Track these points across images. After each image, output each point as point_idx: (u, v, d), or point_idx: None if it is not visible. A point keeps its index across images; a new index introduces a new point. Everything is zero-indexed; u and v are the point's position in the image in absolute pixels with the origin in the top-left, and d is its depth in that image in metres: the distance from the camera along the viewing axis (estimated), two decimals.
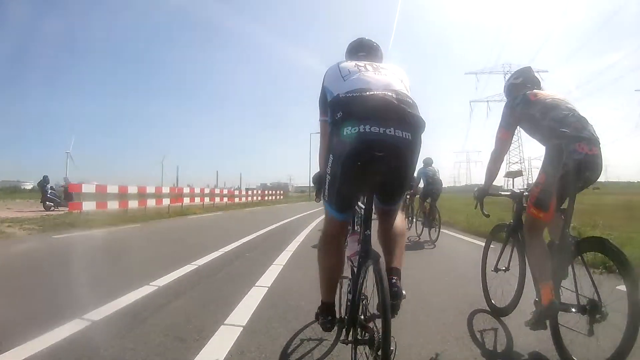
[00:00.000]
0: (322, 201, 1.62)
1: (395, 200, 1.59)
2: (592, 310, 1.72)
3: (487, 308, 2.57)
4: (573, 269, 1.84)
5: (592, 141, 1.87)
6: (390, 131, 1.30)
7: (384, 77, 1.49)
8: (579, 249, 1.84)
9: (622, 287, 1.63)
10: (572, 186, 1.90)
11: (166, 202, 13.41)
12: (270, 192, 31.79)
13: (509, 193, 2.40)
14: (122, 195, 11.48)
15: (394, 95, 1.36)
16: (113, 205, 10.94)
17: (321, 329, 1.74)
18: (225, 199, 19.92)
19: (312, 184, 1.77)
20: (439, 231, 6.05)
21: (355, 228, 1.89)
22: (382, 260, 1.36)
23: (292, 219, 11.38)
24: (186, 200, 15.15)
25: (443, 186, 7.10)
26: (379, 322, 1.26)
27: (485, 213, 2.45)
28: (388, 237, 1.60)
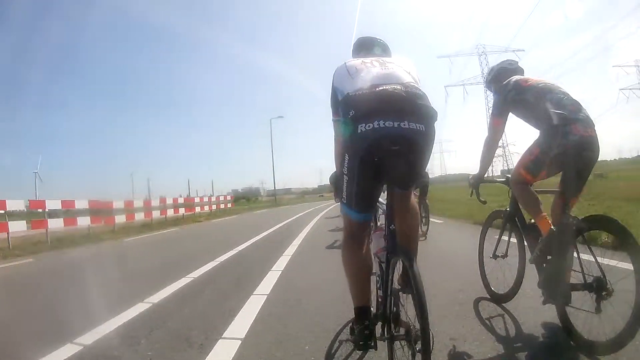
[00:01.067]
0: (339, 203, 1.57)
1: (410, 186, 1.57)
2: (599, 287, 1.74)
3: (487, 295, 2.58)
4: (576, 249, 1.86)
5: (587, 123, 1.91)
6: (404, 124, 1.30)
7: (392, 71, 1.50)
8: (580, 228, 1.86)
9: (626, 263, 1.65)
10: (569, 167, 1.94)
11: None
12: (209, 198, 20.20)
13: (504, 179, 2.42)
14: None
15: (403, 88, 1.38)
16: None
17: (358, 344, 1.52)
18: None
19: (328, 184, 1.78)
20: (429, 223, 6.16)
21: (378, 224, 1.86)
22: (412, 255, 1.35)
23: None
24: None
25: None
26: (412, 316, 1.25)
27: (482, 200, 2.47)
28: (403, 220, 1.56)
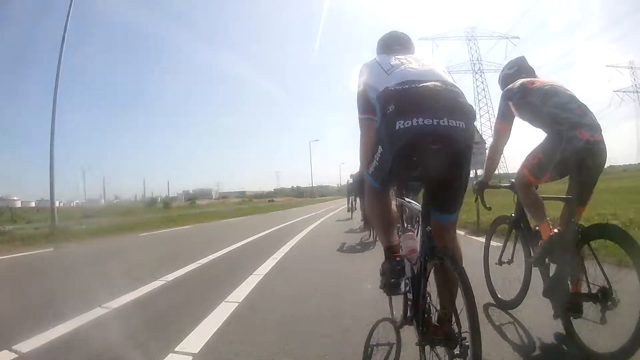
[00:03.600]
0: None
1: (452, 207, 1.49)
2: (604, 297, 1.70)
3: (493, 301, 2.54)
4: (582, 257, 1.82)
5: (594, 127, 1.86)
6: (444, 122, 1.27)
7: (430, 69, 1.47)
8: (586, 237, 1.83)
9: (633, 273, 1.61)
10: (574, 174, 1.90)
11: None
12: None
13: (509, 184, 2.38)
14: None
15: (444, 86, 1.36)
16: None
17: (388, 286, 1.61)
18: None
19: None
20: None
21: (406, 225, 1.83)
22: (457, 258, 1.33)
23: None
24: None
25: None
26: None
27: (487, 206, 2.43)
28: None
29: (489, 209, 2.44)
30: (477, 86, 62.99)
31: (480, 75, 64.73)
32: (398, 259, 1.59)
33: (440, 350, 1.36)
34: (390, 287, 1.60)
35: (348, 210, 13.10)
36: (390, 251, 1.63)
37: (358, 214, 10.47)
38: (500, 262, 2.47)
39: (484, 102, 62.75)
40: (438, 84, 1.36)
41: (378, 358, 1.84)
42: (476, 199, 2.48)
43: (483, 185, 2.41)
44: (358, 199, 10.33)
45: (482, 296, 2.60)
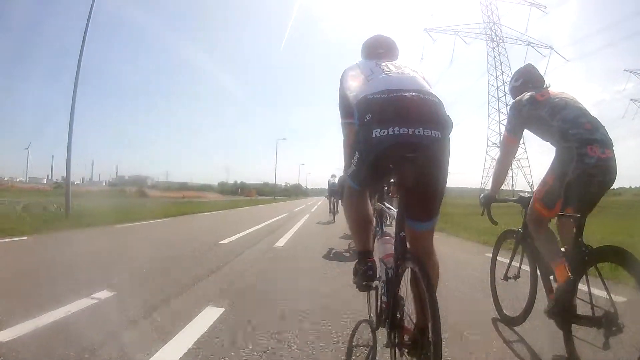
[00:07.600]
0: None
1: (426, 215, 1.46)
2: (608, 323, 1.65)
3: (498, 316, 2.50)
4: (587, 279, 1.77)
5: (605, 143, 1.80)
6: (419, 131, 1.28)
7: (409, 77, 1.48)
8: (593, 258, 1.77)
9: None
10: (583, 192, 1.84)
11: None
12: None
13: (516, 198, 2.33)
14: None
15: (421, 95, 1.36)
16: None
17: (360, 290, 1.72)
18: None
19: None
20: None
21: (384, 230, 1.86)
22: (425, 263, 1.31)
23: None
24: None
25: None
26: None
27: (494, 220, 2.39)
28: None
29: (496, 223, 2.39)
30: (494, 58, 46.27)
31: (498, 45, 48.13)
32: (370, 263, 1.64)
33: (409, 355, 1.39)
34: (361, 287, 1.70)
35: (330, 212, 11.59)
36: (363, 255, 1.67)
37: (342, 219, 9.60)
38: (506, 278, 2.42)
39: (502, 80, 46.60)
40: (416, 93, 1.36)
41: (356, 358, 1.87)
42: (483, 213, 2.43)
43: (490, 199, 2.35)
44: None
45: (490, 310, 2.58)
